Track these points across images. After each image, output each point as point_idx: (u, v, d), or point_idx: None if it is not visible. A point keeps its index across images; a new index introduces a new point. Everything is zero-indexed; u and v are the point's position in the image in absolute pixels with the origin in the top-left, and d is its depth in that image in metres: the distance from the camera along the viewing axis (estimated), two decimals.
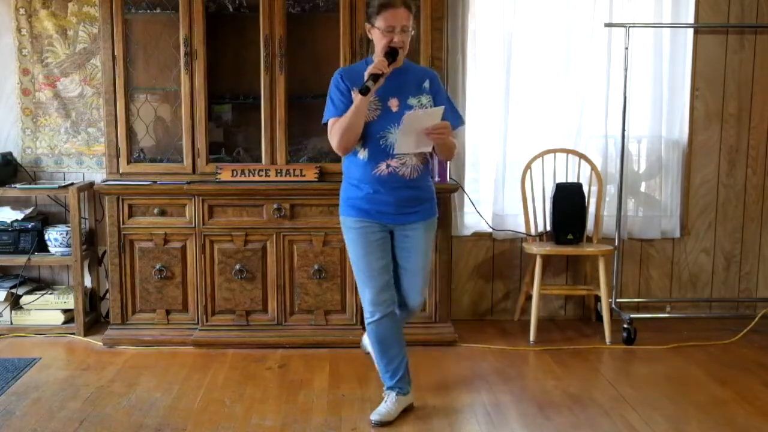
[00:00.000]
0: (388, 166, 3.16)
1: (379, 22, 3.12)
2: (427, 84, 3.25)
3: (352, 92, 3.14)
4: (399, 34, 3.09)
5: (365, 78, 3.04)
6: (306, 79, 4.40)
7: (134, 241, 4.32)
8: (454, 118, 3.27)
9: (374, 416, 3.28)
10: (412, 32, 3.18)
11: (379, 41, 3.14)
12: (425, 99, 3.22)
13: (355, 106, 3.07)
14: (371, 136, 3.14)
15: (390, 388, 3.37)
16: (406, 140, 3.09)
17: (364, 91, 3.01)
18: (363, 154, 3.17)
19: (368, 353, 3.44)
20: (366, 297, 3.27)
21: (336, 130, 3.13)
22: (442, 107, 3.11)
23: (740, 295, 4.96)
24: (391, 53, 3.09)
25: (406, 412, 3.39)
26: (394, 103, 3.17)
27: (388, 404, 3.33)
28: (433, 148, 3.21)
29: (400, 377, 3.36)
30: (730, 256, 4.94)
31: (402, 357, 3.36)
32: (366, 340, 3.45)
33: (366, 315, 3.31)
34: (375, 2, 3.13)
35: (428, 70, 3.46)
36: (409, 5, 3.14)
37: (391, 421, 3.29)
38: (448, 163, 4.35)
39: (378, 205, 3.20)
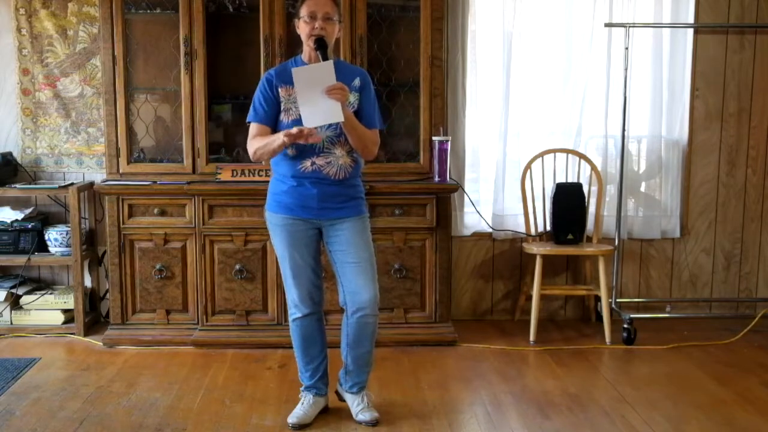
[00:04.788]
0: (312, 163, 3.11)
1: (303, 11, 3.10)
2: (357, 82, 3.19)
3: (280, 89, 3.13)
4: (321, 21, 3.06)
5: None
6: None
7: (134, 241, 4.32)
8: (374, 120, 3.22)
9: (291, 419, 3.24)
10: (339, 23, 3.15)
11: (303, 31, 3.12)
12: (353, 97, 3.16)
13: (275, 143, 3.04)
14: None
15: (307, 388, 3.33)
16: (308, 108, 2.98)
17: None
18: (291, 151, 3.13)
19: (343, 400, 3.43)
20: (292, 295, 3.24)
21: (254, 145, 3.13)
22: (331, 61, 3.02)
23: (740, 295, 4.96)
24: (318, 46, 3.04)
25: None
26: None
27: (305, 406, 3.29)
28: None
29: (319, 377, 3.33)
30: (730, 256, 4.94)
31: (323, 357, 3.34)
32: (340, 389, 3.43)
33: (290, 312, 3.28)
34: None
35: (360, 69, 3.39)
36: None
37: (308, 423, 3.26)
38: (448, 162, 4.35)
39: (301, 198, 3.14)
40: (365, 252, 3.20)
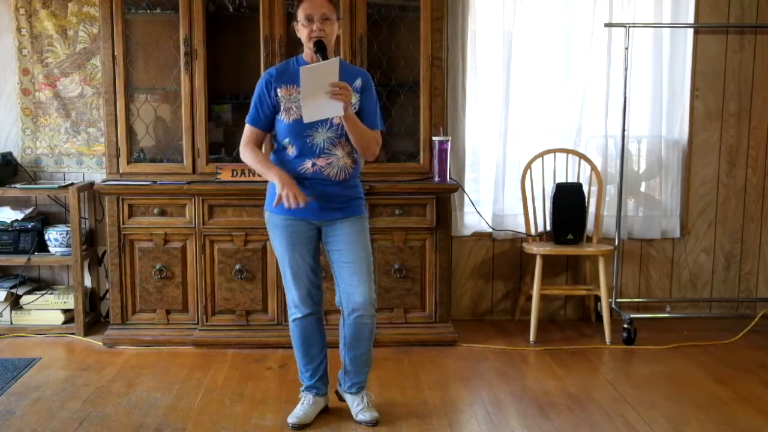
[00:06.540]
0: (314, 164, 3.11)
1: (299, 14, 3.10)
2: (358, 83, 3.18)
3: (279, 90, 3.12)
4: (318, 22, 3.05)
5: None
6: None
7: (134, 241, 4.32)
8: (376, 121, 3.21)
9: (291, 419, 3.24)
10: (339, 20, 3.14)
11: (302, 34, 3.11)
12: (354, 98, 3.14)
13: (271, 172, 3.08)
14: (299, 135, 3.09)
15: (307, 388, 3.34)
16: (309, 104, 2.97)
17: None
18: (291, 151, 3.14)
19: (343, 400, 3.43)
20: (291, 294, 3.24)
21: (247, 155, 3.16)
22: (337, 58, 3.01)
23: (740, 295, 4.96)
24: (318, 48, 3.04)
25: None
26: None
27: (305, 406, 3.29)
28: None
29: (319, 377, 3.33)
30: (730, 256, 4.94)
31: (323, 357, 3.34)
32: (339, 389, 3.43)
33: (290, 312, 3.28)
34: None
35: (361, 70, 3.39)
36: None
37: (308, 423, 3.26)
38: (448, 162, 4.35)
39: None
40: (362, 252, 3.19)
